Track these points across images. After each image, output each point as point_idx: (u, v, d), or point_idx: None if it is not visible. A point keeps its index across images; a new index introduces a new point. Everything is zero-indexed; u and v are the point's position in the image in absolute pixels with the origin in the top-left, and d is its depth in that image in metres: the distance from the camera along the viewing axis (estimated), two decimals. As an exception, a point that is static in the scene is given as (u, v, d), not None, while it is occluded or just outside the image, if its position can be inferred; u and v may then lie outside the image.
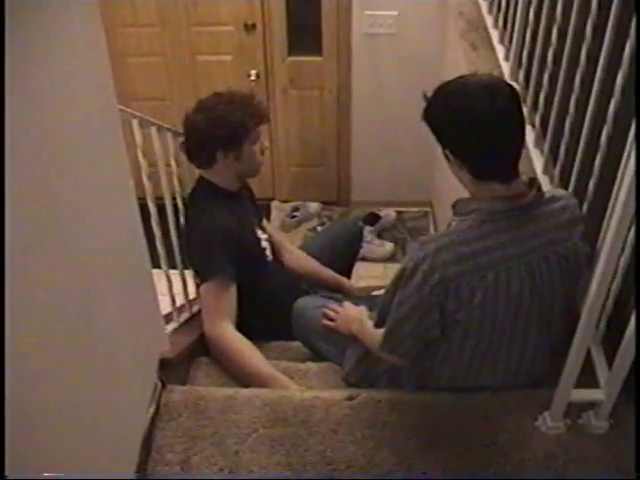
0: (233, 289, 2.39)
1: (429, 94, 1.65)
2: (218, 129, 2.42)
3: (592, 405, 1.73)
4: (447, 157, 1.65)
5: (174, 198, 2.58)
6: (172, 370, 2.06)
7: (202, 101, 2.53)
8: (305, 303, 2.50)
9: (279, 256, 2.86)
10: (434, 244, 1.63)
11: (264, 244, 2.69)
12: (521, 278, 1.64)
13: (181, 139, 2.57)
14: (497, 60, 2.77)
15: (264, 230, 2.75)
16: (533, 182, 1.67)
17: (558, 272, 1.67)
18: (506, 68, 2.64)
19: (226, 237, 2.39)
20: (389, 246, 4.44)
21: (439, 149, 1.68)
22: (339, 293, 2.81)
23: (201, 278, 2.42)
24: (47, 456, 1.25)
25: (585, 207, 1.83)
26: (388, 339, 1.79)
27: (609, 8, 1.68)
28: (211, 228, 2.40)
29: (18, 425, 1.06)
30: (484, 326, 1.68)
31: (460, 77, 1.65)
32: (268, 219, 2.92)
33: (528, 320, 1.70)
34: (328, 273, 2.99)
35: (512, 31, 2.57)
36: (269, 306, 2.57)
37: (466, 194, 1.72)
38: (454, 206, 1.73)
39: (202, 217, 2.45)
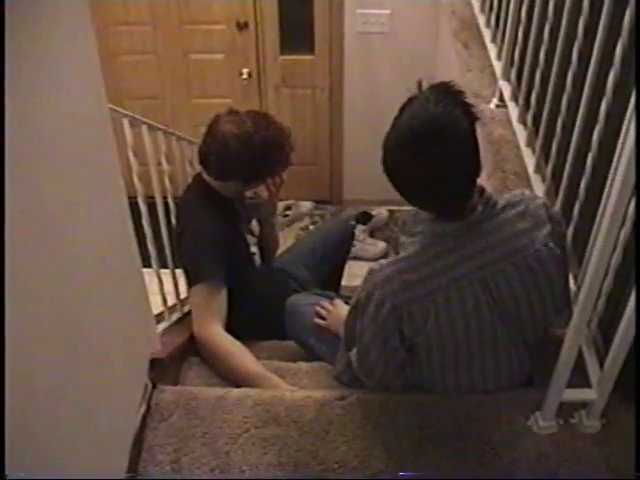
0: (224, 292, 2.38)
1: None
2: (271, 159, 2.46)
3: (584, 405, 1.73)
4: None
5: (165, 197, 2.57)
6: (163, 370, 2.05)
7: (249, 120, 2.42)
8: (297, 301, 2.50)
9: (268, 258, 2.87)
10: (381, 274, 1.62)
11: (253, 249, 2.69)
12: (476, 295, 1.61)
13: (196, 145, 2.55)
14: (489, 59, 2.77)
15: (253, 234, 2.74)
16: (482, 191, 1.62)
17: (519, 283, 1.62)
18: (498, 67, 2.64)
19: (218, 240, 2.39)
20: (381, 245, 4.44)
21: None
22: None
23: (192, 280, 2.41)
24: (38, 456, 1.25)
25: (577, 206, 1.83)
26: (360, 365, 1.81)
27: (601, 7, 1.68)
28: (204, 231, 2.39)
29: (10, 425, 1.05)
30: (445, 345, 1.67)
31: (411, 108, 1.53)
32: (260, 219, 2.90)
33: (494, 332, 1.67)
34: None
35: (504, 30, 2.57)
36: (259, 309, 2.56)
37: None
38: (403, 224, 1.72)
39: (195, 219, 2.44)
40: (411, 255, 1.63)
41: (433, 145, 1.47)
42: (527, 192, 1.75)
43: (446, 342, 1.66)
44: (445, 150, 1.47)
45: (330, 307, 2.32)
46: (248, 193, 2.66)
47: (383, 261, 1.67)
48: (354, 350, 1.82)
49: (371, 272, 1.66)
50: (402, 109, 1.56)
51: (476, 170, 1.54)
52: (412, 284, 1.59)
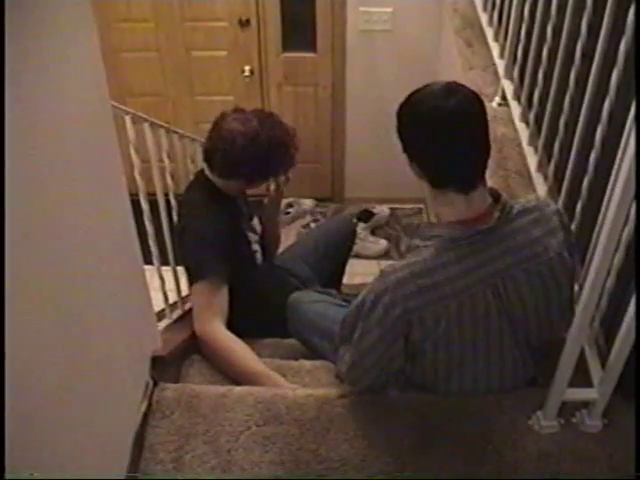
0: (225, 289, 2.38)
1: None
2: (276, 159, 2.45)
3: (586, 404, 1.73)
4: (411, 165, 1.62)
5: (167, 194, 2.57)
6: (164, 368, 2.05)
7: (255, 119, 2.42)
8: (299, 298, 2.49)
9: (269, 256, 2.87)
10: (394, 277, 1.59)
11: (255, 247, 2.68)
12: (487, 301, 1.60)
13: (202, 142, 2.55)
14: (492, 57, 2.77)
15: (255, 231, 2.74)
16: (499, 197, 1.62)
17: (528, 289, 1.63)
18: (501, 65, 2.63)
19: (219, 238, 2.38)
20: (383, 243, 4.44)
21: None
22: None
23: (193, 277, 2.40)
24: (39, 454, 1.25)
25: (579, 205, 1.83)
26: (351, 370, 1.78)
27: (604, 6, 1.67)
28: (205, 228, 2.39)
29: (11, 423, 1.05)
30: (452, 349, 1.65)
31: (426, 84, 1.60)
32: (261, 216, 2.91)
33: (500, 336, 1.67)
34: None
35: (507, 28, 2.56)
36: (260, 306, 2.56)
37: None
38: (417, 228, 1.72)
39: (196, 217, 2.44)
40: (425, 259, 1.60)
41: (451, 98, 1.50)
42: (541, 198, 1.76)
43: (453, 346, 1.65)
44: (462, 104, 1.51)
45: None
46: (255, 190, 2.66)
47: (396, 264, 1.64)
48: (348, 354, 1.79)
49: (383, 274, 1.64)
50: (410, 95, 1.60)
51: (488, 140, 1.57)
52: (426, 289, 1.57)
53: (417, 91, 1.58)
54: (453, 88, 1.53)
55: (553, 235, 1.65)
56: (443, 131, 1.52)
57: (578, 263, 1.78)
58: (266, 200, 2.85)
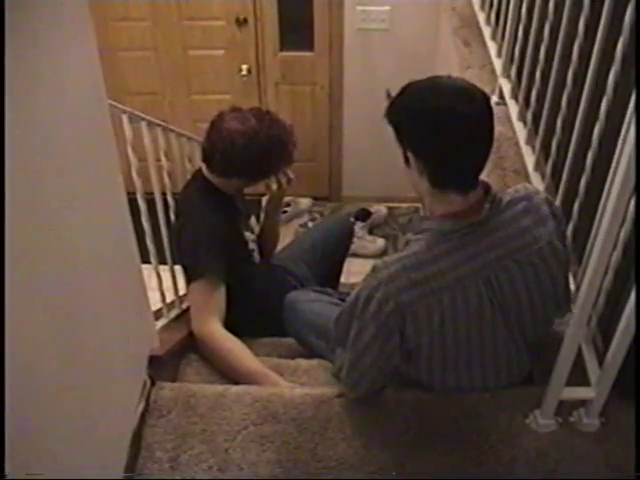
0: (222, 288, 2.38)
1: (393, 93, 1.59)
2: (276, 156, 2.46)
3: (583, 403, 1.73)
4: (407, 160, 1.58)
5: (164, 193, 2.57)
6: (162, 367, 2.04)
7: (253, 117, 2.42)
8: (296, 297, 2.48)
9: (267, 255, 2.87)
10: (386, 271, 1.59)
11: (252, 246, 2.68)
12: (479, 293, 1.60)
13: (200, 141, 2.55)
14: (489, 56, 2.77)
15: (252, 231, 2.74)
16: (488, 188, 1.60)
17: (521, 280, 1.62)
18: (498, 64, 2.64)
19: (217, 237, 2.38)
20: (380, 242, 4.43)
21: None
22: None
23: (191, 276, 2.40)
24: (35, 453, 1.24)
25: (577, 204, 1.83)
26: (349, 374, 1.77)
27: (601, 5, 1.67)
28: (203, 227, 2.39)
29: (10, 423, 1.05)
30: (446, 343, 1.65)
31: (430, 78, 1.56)
32: (258, 215, 2.91)
33: (494, 329, 1.66)
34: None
35: (504, 27, 2.56)
36: (258, 305, 2.56)
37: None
38: (409, 222, 1.71)
39: (194, 215, 2.44)
40: (417, 252, 1.60)
41: (472, 104, 1.47)
42: (530, 187, 1.75)
43: (447, 340, 1.64)
44: (479, 111, 1.49)
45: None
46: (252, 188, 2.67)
47: (388, 258, 1.63)
48: (344, 357, 1.78)
49: (375, 269, 1.63)
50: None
51: (492, 143, 1.54)
52: (418, 283, 1.57)
53: (426, 84, 1.55)
54: (470, 91, 1.50)
55: (543, 224, 1.64)
56: (458, 137, 1.49)
57: (571, 252, 1.78)
58: (267, 198, 2.85)
